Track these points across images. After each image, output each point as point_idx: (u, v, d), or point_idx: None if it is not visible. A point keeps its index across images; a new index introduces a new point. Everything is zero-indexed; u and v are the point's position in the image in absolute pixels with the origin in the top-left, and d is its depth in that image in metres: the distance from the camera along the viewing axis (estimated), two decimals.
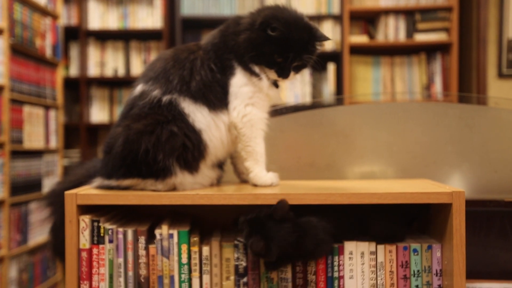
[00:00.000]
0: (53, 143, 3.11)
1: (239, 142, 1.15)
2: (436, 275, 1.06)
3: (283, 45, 1.09)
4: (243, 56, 1.12)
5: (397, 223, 1.13)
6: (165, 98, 1.08)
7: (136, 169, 1.06)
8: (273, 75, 1.13)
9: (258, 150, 1.15)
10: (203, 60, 1.13)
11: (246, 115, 1.12)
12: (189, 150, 1.07)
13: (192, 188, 1.10)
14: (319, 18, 3.61)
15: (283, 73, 1.12)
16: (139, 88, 1.13)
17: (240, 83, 1.13)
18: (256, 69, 1.13)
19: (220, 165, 1.21)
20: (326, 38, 1.13)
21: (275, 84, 1.17)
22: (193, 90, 1.10)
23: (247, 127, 1.13)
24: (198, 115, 1.09)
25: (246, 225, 1.00)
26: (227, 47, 1.14)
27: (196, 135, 1.08)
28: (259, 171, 1.15)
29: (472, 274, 1.26)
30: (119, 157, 1.06)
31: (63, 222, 1.04)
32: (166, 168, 1.05)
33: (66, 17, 3.68)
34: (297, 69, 1.14)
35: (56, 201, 1.13)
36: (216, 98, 1.12)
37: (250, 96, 1.13)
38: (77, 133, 3.73)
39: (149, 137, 1.05)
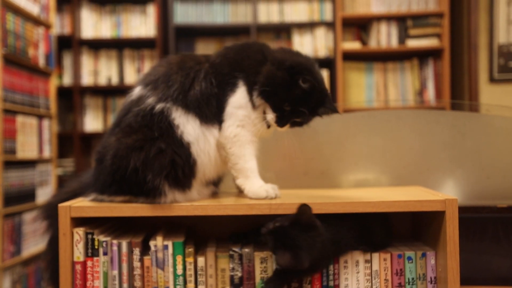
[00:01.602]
0: (47, 152, 3.10)
1: (228, 161, 1.13)
2: (431, 283, 1.07)
3: (302, 98, 1.07)
4: (255, 84, 1.10)
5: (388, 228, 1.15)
6: (158, 107, 1.07)
7: (127, 187, 1.05)
8: (271, 117, 1.10)
9: (247, 166, 1.12)
10: (207, 72, 1.12)
11: (236, 135, 1.11)
12: (179, 167, 1.05)
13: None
14: (312, 25, 3.63)
15: (281, 122, 1.10)
16: (137, 90, 1.12)
17: (237, 104, 1.11)
18: (258, 101, 1.11)
19: (215, 183, 1.20)
20: (336, 111, 1.11)
21: (268, 125, 1.14)
22: (189, 100, 1.08)
23: (236, 146, 1.11)
24: (188, 127, 1.07)
25: (270, 237, 0.97)
26: (238, 65, 1.12)
27: (185, 149, 1.06)
28: (251, 186, 1.12)
29: (466, 280, 1.26)
30: (108, 172, 1.06)
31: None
32: (155, 188, 1.04)
33: (59, 26, 3.68)
34: (294, 124, 1.13)
35: (52, 214, 1.12)
36: (210, 112, 1.11)
37: (241, 119, 1.11)
38: (71, 142, 3.71)
39: (138, 154, 1.04)
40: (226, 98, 1.11)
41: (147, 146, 1.04)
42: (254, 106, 1.11)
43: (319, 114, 1.11)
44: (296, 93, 1.07)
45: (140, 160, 1.03)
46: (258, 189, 1.11)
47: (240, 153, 1.11)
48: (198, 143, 1.08)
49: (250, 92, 1.11)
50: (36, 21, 3.00)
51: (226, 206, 1.03)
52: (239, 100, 1.11)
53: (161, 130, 1.06)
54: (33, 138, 2.93)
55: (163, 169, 1.03)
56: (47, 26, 3.13)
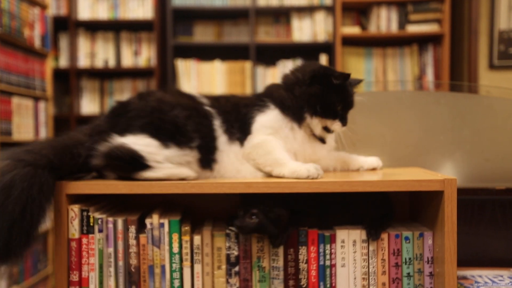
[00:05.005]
0: (43, 135, 3.08)
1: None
2: (428, 263, 1.06)
3: (343, 91, 1.14)
4: (303, 108, 1.13)
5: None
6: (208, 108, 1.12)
7: (159, 128, 1.06)
8: (337, 125, 1.14)
9: (278, 156, 1.11)
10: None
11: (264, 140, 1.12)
12: (208, 148, 1.08)
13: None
14: (311, 9, 3.59)
15: (345, 120, 1.15)
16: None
17: (267, 124, 1.13)
18: (314, 121, 1.13)
19: None
20: (360, 80, 1.23)
21: (322, 140, 1.17)
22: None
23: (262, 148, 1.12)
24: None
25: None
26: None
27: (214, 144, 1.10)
28: (289, 167, 1.10)
29: (463, 261, 1.26)
30: (146, 111, 1.07)
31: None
32: (188, 138, 1.05)
33: (55, 7, 3.63)
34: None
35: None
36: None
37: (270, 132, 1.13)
38: (68, 125, 3.69)
39: (184, 110, 1.07)
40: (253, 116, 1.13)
41: (195, 112, 1.08)
42: (300, 126, 1.14)
43: (353, 93, 1.18)
44: (337, 92, 1.13)
45: (184, 113, 1.06)
46: (297, 168, 1.06)
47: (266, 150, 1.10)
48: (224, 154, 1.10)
49: (290, 114, 1.13)
50: (32, 1, 2.95)
51: (222, 184, 1.02)
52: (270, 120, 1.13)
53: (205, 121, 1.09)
54: (29, 120, 2.91)
55: (200, 133, 1.06)
56: (43, 7, 3.09)
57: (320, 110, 1.12)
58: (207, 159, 1.08)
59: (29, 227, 0.92)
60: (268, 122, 1.12)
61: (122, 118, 1.06)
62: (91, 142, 1.04)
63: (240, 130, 1.11)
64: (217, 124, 1.09)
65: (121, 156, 1.01)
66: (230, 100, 1.17)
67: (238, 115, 1.13)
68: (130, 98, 1.13)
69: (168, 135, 1.04)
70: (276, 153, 1.09)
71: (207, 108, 1.11)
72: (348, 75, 1.12)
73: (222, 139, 1.09)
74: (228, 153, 1.10)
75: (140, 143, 1.02)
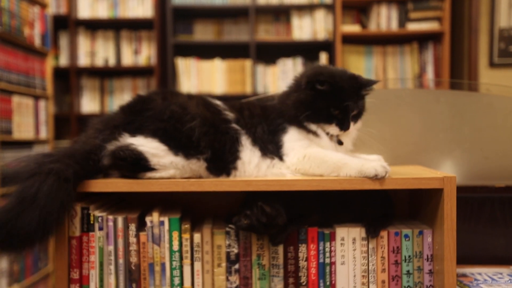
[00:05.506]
0: (43, 133, 3.08)
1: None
2: (427, 260, 1.07)
3: (336, 96, 1.08)
4: (297, 117, 1.09)
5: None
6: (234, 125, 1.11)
7: (172, 136, 1.04)
8: (334, 130, 1.10)
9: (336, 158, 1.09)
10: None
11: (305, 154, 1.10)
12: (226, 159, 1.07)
13: None
14: (311, 7, 3.59)
15: (344, 125, 1.09)
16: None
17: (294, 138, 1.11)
18: (313, 127, 1.10)
19: None
20: (374, 82, 1.13)
21: (340, 142, 1.14)
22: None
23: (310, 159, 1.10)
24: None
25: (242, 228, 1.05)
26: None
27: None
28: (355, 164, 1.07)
29: (463, 259, 1.27)
30: (165, 116, 1.05)
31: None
32: (199, 149, 1.04)
33: (55, 5, 3.63)
34: (355, 119, 1.13)
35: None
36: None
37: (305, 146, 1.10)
38: (68, 123, 3.69)
39: (203, 121, 1.05)
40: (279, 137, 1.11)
41: (213, 128, 1.05)
42: (315, 133, 1.11)
43: (363, 95, 1.12)
44: (328, 96, 1.07)
45: (202, 128, 1.04)
46: (363, 167, 1.02)
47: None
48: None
49: (301, 126, 1.10)
50: (32, 0, 2.95)
51: (222, 182, 1.02)
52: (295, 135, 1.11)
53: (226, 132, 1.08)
54: (29, 119, 2.91)
55: (213, 148, 1.04)
56: (43, 5, 3.09)
57: (312, 115, 1.08)
58: (220, 167, 1.07)
59: (48, 230, 0.96)
60: (295, 137, 1.10)
61: (138, 117, 1.06)
62: (102, 140, 1.04)
63: (271, 144, 1.10)
64: (244, 139, 1.08)
65: (125, 157, 1.02)
66: (253, 112, 1.14)
67: (264, 130, 1.11)
68: (152, 94, 1.12)
69: (179, 145, 1.04)
70: (331, 157, 1.06)
71: (234, 125, 1.09)
72: (336, 81, 1.07)
73: (249, 152, 1.08)
74: (260, 165, 1.09)
75: (148, 146, 1.03)
